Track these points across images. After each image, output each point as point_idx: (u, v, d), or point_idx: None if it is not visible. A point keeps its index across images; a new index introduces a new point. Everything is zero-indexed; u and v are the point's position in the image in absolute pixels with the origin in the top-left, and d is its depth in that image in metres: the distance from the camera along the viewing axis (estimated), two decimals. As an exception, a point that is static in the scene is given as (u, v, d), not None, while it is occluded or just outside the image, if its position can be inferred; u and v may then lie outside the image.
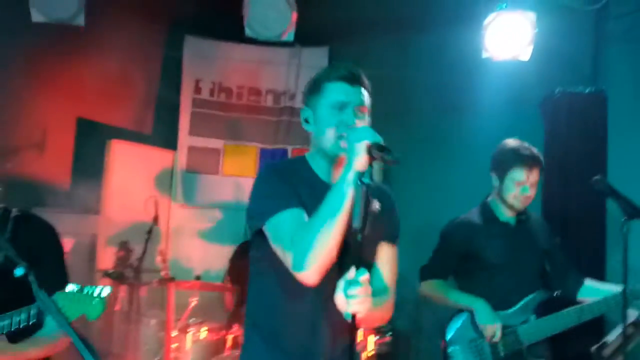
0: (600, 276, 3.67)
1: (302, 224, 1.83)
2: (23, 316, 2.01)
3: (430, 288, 3.19)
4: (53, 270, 2.20)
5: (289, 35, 4.38)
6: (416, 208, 4.31)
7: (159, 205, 4.48)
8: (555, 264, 3.20)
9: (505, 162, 3.08)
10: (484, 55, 4.00)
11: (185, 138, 5.32)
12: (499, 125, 3.97)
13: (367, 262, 1.96)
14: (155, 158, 5.25)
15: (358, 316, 1.69)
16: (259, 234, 1.95)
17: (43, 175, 4.52)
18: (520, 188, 3.05)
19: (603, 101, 4.15)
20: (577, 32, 4.25)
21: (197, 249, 5.18)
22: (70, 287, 2.02)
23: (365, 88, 1.99)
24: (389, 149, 1.72)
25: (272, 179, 1.97)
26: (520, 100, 4.37)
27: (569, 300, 3.11)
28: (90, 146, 4.88)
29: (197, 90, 5.33)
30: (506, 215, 3.16)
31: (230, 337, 3.99)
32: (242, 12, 4.28)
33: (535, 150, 3.09)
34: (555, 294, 3.11)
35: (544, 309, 3.07)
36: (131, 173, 4.99)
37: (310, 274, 1.79)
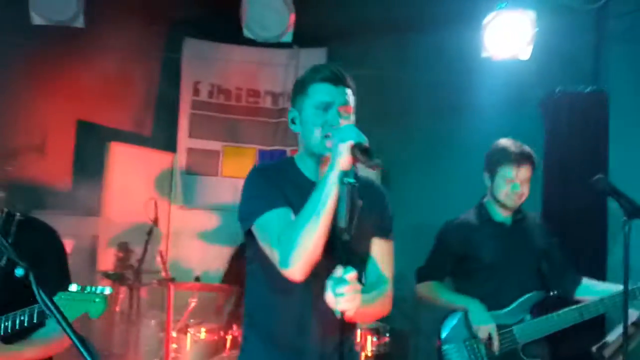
0: (601, 276, 3.65)
1: (288, 223, 1.86)
2: (26, 317, 2.04)
3: (427, 290, 3.18)
4: (55, 272, 2.23)
5: (287, 36, 4.37)
6: (415, 207, 4.32)
7: (158, 207, 4.49)
8: (553, 264, 3.17)
9: (494, 160, 3.08)
10: (484, 54, 3.99)
11: (184, 140, 5.32)
12: (499, 125, 3.95)
13: (359, 259, 1.99)
14: (155, 160, 5.26)
15: (347, 314, 1.72)
16: (250, 235, 1.99)
17: (43, 178, 4.53)
18: (511, 185, 3.04)
19: (604, 100, 4.14)
20: (578, 31, 4.23)
21: (197, 250, 5.18)
22: (73, 287, 2.06)
23: (349, 88, 2.01)
24: (372, 153, 1.73)
25: (259, 180, 2.02)
26: (521, 99, 4.35)
27: (567, 299, 3.09)
28: (90, 148, 4.90)
29: (196, 92, 5.33)
30: (502, 215, 3.15)
31: (229, 338, 3.99)
32: (240, 13, 4.28)
33: (526, 147, 3.08)
34: (551, 294, 3.10)
35: (541, 308, 3.05)
36: (131, 175, 5.01)
37: (295, 270, 1.81)
